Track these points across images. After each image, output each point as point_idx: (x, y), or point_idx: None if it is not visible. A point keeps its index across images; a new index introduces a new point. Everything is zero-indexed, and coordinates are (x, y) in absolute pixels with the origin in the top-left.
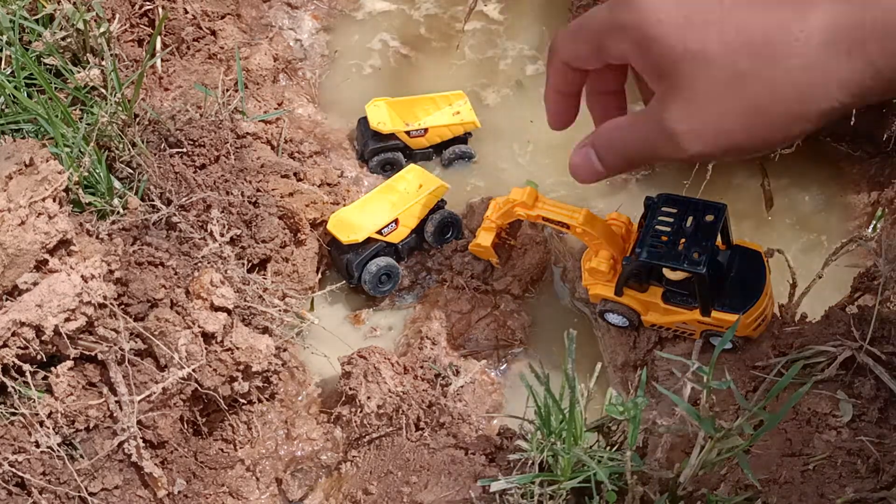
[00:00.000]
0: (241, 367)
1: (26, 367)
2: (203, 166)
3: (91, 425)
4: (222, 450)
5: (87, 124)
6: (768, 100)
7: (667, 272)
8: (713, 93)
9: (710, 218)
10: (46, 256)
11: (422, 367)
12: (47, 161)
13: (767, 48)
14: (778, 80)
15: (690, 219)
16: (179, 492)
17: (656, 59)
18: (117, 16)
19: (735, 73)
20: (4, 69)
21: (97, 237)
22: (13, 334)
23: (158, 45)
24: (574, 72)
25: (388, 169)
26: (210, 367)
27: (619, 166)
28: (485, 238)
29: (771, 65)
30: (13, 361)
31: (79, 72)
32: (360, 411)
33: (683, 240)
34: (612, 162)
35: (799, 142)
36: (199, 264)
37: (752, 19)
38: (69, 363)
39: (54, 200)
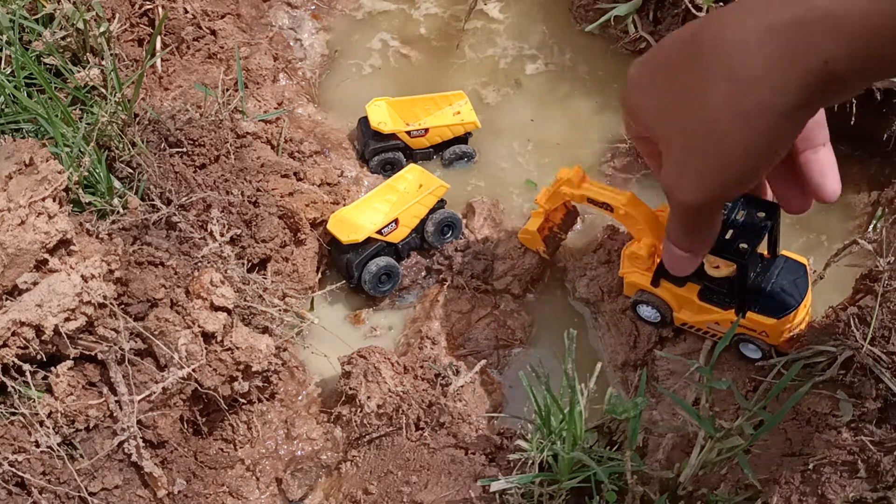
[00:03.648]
0: (241, 367)
1: (26, 366)
2: (203, 166)
3: (91, 425)
4: (222, 449)
5: (87, 124)
6: (728, 123)
7: (708, 268)
8: (683, 142)
9: (761, 215)
10: (46, 256)
11: (422, 367)
12: (47, 161)
13: (705, 74)
14: (730, 98)
15: (742, 212)
16: (179, 491)
17: (649, 130)
18: (117, 15)
19: (689, 108)
20: (4, 69)
21: (97, 237)
22: (13, 334)
23: (158, 45)
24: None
25: (389, 169)
26: (210, 366)
27: (686, 241)
28: (533, 223)
29: (717, 83)
30: (13, 361)
31: (79, 71)
32: (360, 411)
33: (732, 230)
34: (679, 241)
35: None
36: (199, 264)
37: (685, 40)
38: (69, 363)
39: (54, 200)
